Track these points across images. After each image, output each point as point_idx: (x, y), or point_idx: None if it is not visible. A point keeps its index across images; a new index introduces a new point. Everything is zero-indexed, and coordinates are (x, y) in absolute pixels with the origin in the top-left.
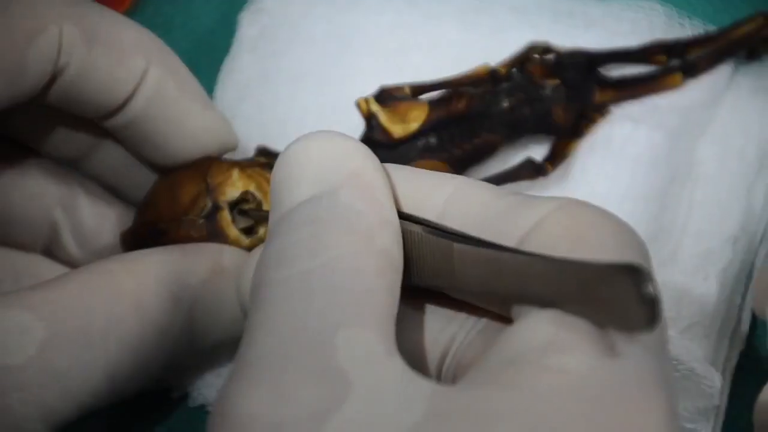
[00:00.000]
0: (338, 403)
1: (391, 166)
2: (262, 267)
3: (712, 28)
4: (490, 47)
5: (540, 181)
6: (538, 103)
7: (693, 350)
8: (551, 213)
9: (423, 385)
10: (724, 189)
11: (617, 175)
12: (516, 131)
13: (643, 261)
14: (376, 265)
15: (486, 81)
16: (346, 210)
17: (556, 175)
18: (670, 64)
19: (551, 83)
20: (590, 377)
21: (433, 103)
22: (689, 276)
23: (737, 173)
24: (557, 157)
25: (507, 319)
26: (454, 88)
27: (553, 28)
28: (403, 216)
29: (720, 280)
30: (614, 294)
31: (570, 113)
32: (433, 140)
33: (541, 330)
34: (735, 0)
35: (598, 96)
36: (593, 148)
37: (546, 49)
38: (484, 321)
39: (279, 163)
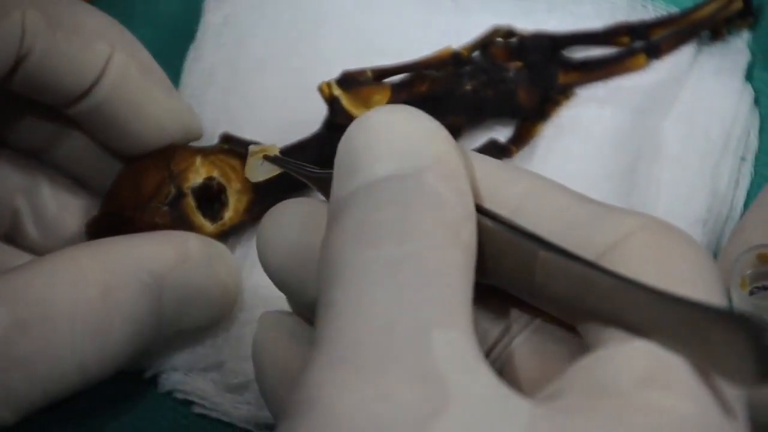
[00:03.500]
0: (439, 409)
1: (466, 153)
2: (340, 238)
3: (674, 9)
4: (453, 31)
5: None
6: (501, 85)
7: None
8: (635, 232)
9: (520, 404)
10: (690, 169)
11: (583, 155)
12: (480, 113)
13: (723, 294)
14: (463, 260)
15: (449, 64)
16: (434, 196)
17: (521, 157)
18: (633, 45)
19: (514, 66)
20: (691, 419)
21: (395, 87)
22: None
23: (703, 153)
24: (522, 138)
25: (560, 321)
26: (417, 71)
27: (516, 13)
28: (479, 209)
29: None
30: (725, 341)
31: (534, 95)
32: None
33: (637, 362)
34: None
35: (562, 78)
36: (558, 130)
37: (509, 33)
38: (537, 321)
39: (357, 130)
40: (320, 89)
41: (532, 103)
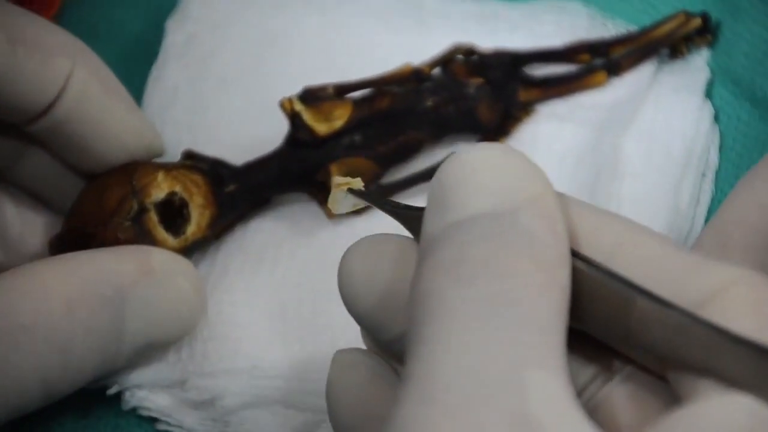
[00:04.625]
0: None
1: (561, 195)
2: (432, 274)
3: (634, 28)
4: (414, 49)
5: None
6: (462, 101)
7: None
8: (733, 284)
9: None
10: (651, 186)
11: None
12: (441, 129)
13: None
14: (557, 302)
15: (410, 80)
16: (529, 236)
17: None
18: (593, 63)
19: (475, 82)
20: None
21: (357, 102)
22: None
23: (663, 170)
24: None
25: (650, 369)
26: (378, 87)
27: (477, 31)
28: (574, 252)
29: None
30: None
31: (495, 112)
32: (357, 138)
33: (737, 418)
34: (655, 1)
35: (523, 95)
36: (519, 146)
37: (470, 50)
38: (628, 368)
39: (451, 165)
40: (282, 105)
41: (493, 119)
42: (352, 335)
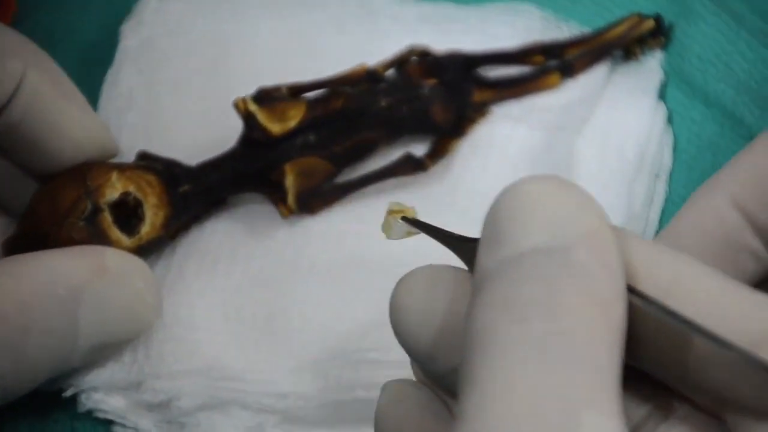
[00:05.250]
0: None
1: (617, 229)
2: (486, 310)
3: (588, 29)
4: (369, 51)
5: (421, 177)
6: (416, 102)
7: None
8: None
9: None
10: (605, 187)
11: (498, 173)
12: (395, 130)
13: None
14: (613, 339)
15: (364, 81)
16: (584, 272)
17: (437, 172)
18: (547, 64)
19: (429, 83)
20: None
21: (311, 102)
22: None
23: (617, 171)
24: (437, 154)
25: (707, 410)
26: (332, 87)
27: (431, 33)
28: (629, 288)
29: None
30: None
31: (449, 112)
32: (312, 138)
33: None
34: (608, 3)
35: (477, 96)
36: (474, 147)
37: (424, 52)
38: (684, 408)
39: (506, 198)
40: (236, 105)
41: (448, 120)
42: (308, 336)
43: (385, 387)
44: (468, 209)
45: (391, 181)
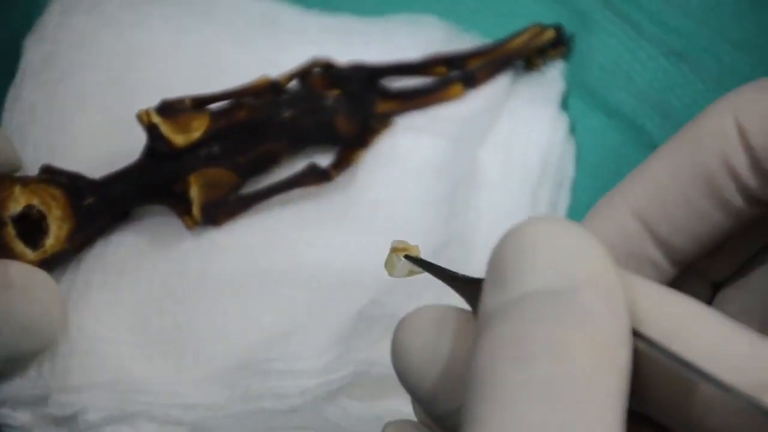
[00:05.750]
0: None
1: (622, 272)
2: (489, 352)
3: (489, 40)
4: (272, 64)
5: (326, 188)
6: (319, 113)
7: None
8: None
9: None
10: (509, 196)
11: (403, 183)
12: (299, 140)
13: None
14: (616, 385)
15: (267, 92)
16: (589, 315)
17: (342, 182)
18: (450, 75)
19: (332, 94)
20: None
21: (214, 114)
22: None
23: (521, 180)
24: (341, 164)
25: None
26: (236, 99)
27: (334, 45)
28: (635, 332)
29: None
30: None
31: (353, 123)
32: (216, 149)
33: None
34: (509, 14)
35: (381, 107)
36: (378, 158)
37: (327, 64)
38: None
39: (510, 239)
40: (139, 117)
41: (351, 130)
42: (215, 347)
43: (385, 428)
44: (372, 219)
45: (297, 192)
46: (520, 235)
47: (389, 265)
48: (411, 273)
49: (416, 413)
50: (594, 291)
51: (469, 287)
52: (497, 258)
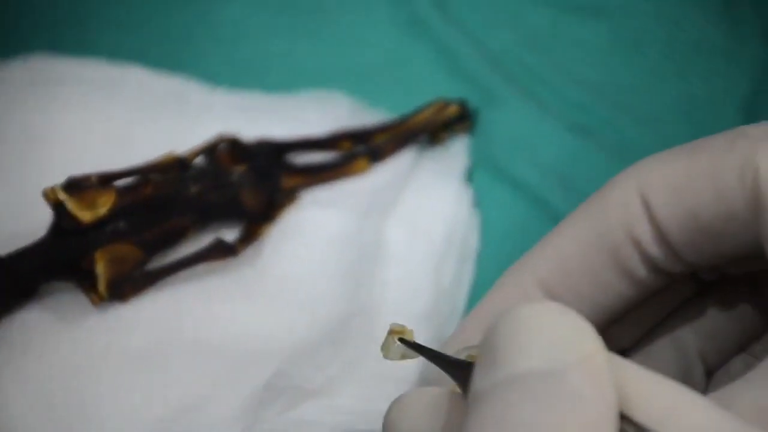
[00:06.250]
0: None
1: (612, 356)
2: (479, 430)
3: (394, 115)
4: (179, 141)
5: (233, 262)
6: (226, 188)
7: None
8: None
9: None
10: (414, 269)
11: (309, 257)
12: (205, 215)
13: None
14: None
15: (173, 168)
16: (577, 398)
17: (248, 257)
18: (356, 150)
19: (239, 170)
20: None
21: (121, 190)
22: None
23: (425, 254)
24: (247, 239)
25: None
26: (142, 175)
27: (241, 121)
28: (622, 416)
29: (418, 359)
30: None
31: (259, 198)
32: (122, 225)
33: None
34: (415, 90)
35: (286, 182)
36: (284, 232)
37: (233, 140)
38: None
39: (503, 321)
40: (45, 195)
41: (257, 205)
42: (120, 422)
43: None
44: (279, 294)
45: (203, 266)
46: (512, 319)
47: (385, 347)
48: (404, 356)
49: None
50: (584, 374)
51: (461, 371)
52: (489, 340)
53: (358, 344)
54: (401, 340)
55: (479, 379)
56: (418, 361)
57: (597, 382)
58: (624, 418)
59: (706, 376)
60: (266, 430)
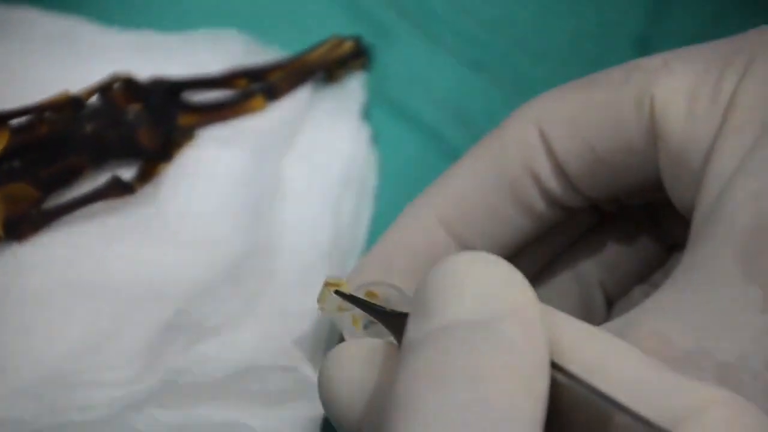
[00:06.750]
0: None
1: (545, 308)
2: (409, 378)
3: (289, 53)
4: (73, 80)
5: (130, 201)
6: (121, 127)
7: (303, 358)
8: (712, 405)
9: None
10: (312, 207)
11: (207, 195)
12: (102, 154)
13: None
14: (532, 412)
15: (68, 107)
16: (508, 345)
17: (147, 195)
18: (251, 88)
19: (134, 108)
20: None
21: (14, 129)
22: (289, 291)
23: (324, 189)
24: (144, 177)
25: None
26: (36, 114)
27: (135, 61)
28: (553, 364)
29: (317, 295)
30: None
31: (155, 136)
32: (16, 164)
33: None
34: (309, 28)
35: (183, 120)
36: (182, 171)
37: (128, 79)
38: None
39: (437, 272)
40: None
41: (154, 144)
42: (20, 362)
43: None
44: (178, 232)
45: (101, 205)
46: (445, 269)
47: (321, 299)
48: (341, 308)
49: None
50: (514, 323)
51: (396, 322)
52: (422, 290)
53: (258, 281)
54: (337, 292)
55: (412, 330)
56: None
57: (528, 332)
58: (555, 367)
59: (607, 306)
60: (168, 368)
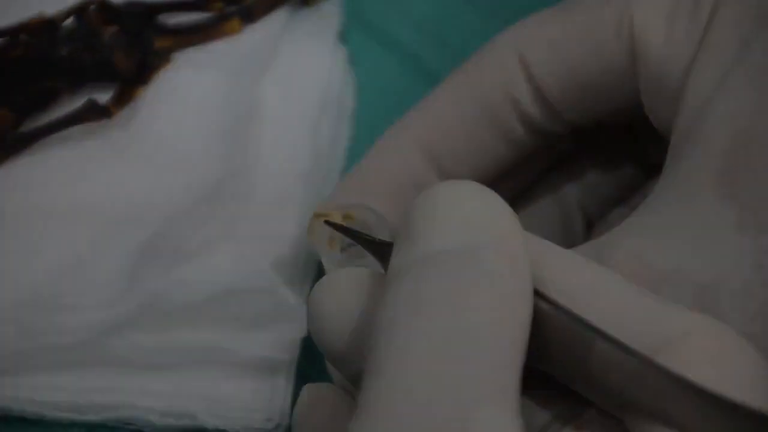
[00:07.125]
0: None
1: (528, 236)
2: (393, 306)
3: None
4: (46, 2)
5: (107, 124)
6: (97, 50)
7: (281, 281)
8: (692, 332)
9: None
10: (290, 130)
11: (184, 119)
12: (78, 77)
13: None
14: (514, 339)
15: (43, 30)
16: (491, 273)
17: (123, 119)
18: (227, 10)
19: (110, 31)
20: None
21: None
22: (266, 214)
23: (301, 114)
24: (121, 100)
25: (610, 413)
26: (11, 36)
27: None
28: (536, 292)
29: (296, 218)
30: None
31: (131, 60)
32: None
33: None
34: None
35: (159, 43)
36: (159, 94)
37: (103, 2)
38: (588, 412)
39: (422, 200)
40: None
41: (130, 67)
42: None
43: (302, 391)
44: (154, 155)
45: (77, 129)
46: (430, 198)
47: (310, 230)
48: (330, 239)
49: (333, 375)
50: (498, 251)
51: (384, 251)
52: (408, 219)
53: (235, 205)
54: (327, 222)
55: (396, 258)
56: (296, 221)
57: (512, 260)
58: (538, 295)
59: (587, 228)
60: (146, 291)
